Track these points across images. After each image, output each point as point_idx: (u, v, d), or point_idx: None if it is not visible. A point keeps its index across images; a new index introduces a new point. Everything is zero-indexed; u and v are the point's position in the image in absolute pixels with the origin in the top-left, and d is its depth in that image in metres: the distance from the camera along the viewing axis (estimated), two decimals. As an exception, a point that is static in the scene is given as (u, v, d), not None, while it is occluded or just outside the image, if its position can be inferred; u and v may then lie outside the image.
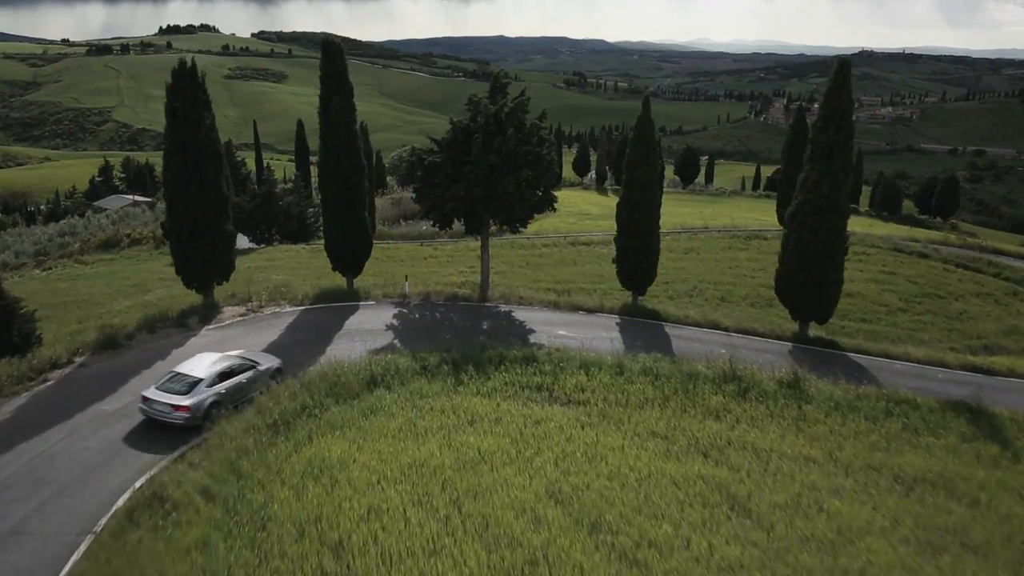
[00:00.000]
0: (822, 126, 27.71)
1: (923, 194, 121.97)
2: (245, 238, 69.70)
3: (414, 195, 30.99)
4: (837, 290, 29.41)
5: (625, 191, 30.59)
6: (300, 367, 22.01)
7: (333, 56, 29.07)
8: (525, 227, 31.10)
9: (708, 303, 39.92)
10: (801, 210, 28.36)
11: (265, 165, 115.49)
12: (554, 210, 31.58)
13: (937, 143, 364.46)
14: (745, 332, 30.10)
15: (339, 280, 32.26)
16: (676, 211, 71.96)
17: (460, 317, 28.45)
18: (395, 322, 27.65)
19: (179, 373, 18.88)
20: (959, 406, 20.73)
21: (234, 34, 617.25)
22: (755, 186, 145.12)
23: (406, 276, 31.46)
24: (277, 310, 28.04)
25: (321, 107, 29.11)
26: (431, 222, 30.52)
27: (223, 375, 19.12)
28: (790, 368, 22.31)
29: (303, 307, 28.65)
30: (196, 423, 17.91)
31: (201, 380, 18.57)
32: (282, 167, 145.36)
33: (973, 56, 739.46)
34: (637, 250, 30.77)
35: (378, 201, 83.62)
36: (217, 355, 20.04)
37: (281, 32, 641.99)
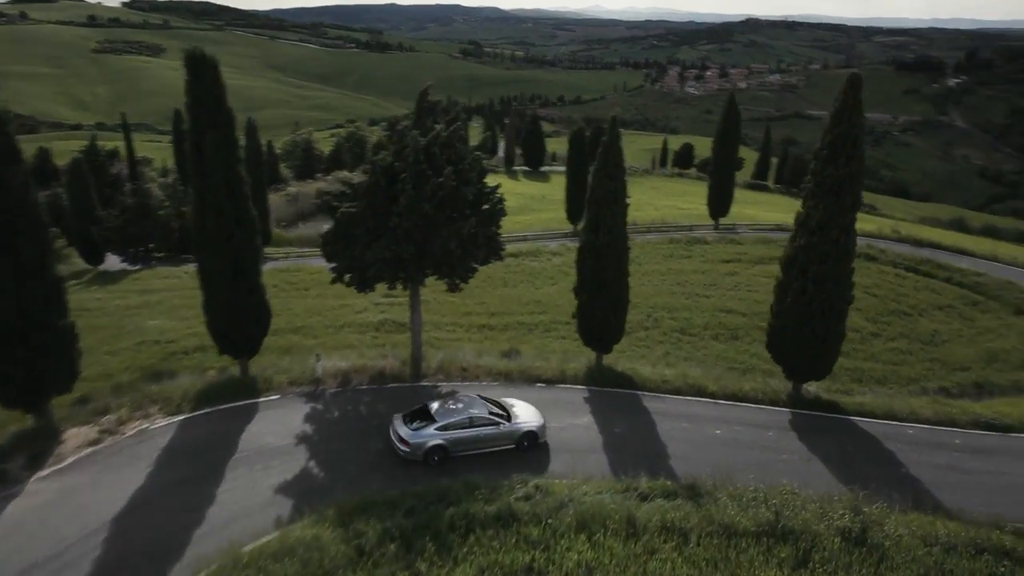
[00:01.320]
0: (828, 155, 22.73)
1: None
2: (116, 258, 60.25)
3: (322, 251, 23.89)
4: (839, 344, 25.01)
5: (588, 235, 24.75)
6: (172, 551, 15.45)
7: (203, 74, 20.67)
8: (466, 283, 24.83)
9: (667, 338, 35.26)
10: (803, 256, 23.49)
11: (140, 157, 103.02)
12: (501, 258, 25.44)
13: (822, 109, 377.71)
14: (734, 398, 25.51)
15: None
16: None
17: (392, 409, 21.89)
18: (308, 429, 20.96)
19: (424, 408, 19.94)
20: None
21: (101, 3, 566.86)
22: (663, 162, 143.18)
23: (317, 355, 24.49)
24: (145, 425, 20.52)
25: (191, 147, 20.89)
26: (347, 283, 23.61)
27: (460, 424, 19.41)
28: (835, 497, 16.95)
29: (182, 416, 21.10)
30: (415, 459, 18.88)
31: (433, 423, 19.24)
32: (161, 154, 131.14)
33: (848, 24, 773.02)
34: (605, 305, 25.14)
35: (272, 198, 73.85)
36: (470, 399, 20.45)
37: (156, 1, 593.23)
